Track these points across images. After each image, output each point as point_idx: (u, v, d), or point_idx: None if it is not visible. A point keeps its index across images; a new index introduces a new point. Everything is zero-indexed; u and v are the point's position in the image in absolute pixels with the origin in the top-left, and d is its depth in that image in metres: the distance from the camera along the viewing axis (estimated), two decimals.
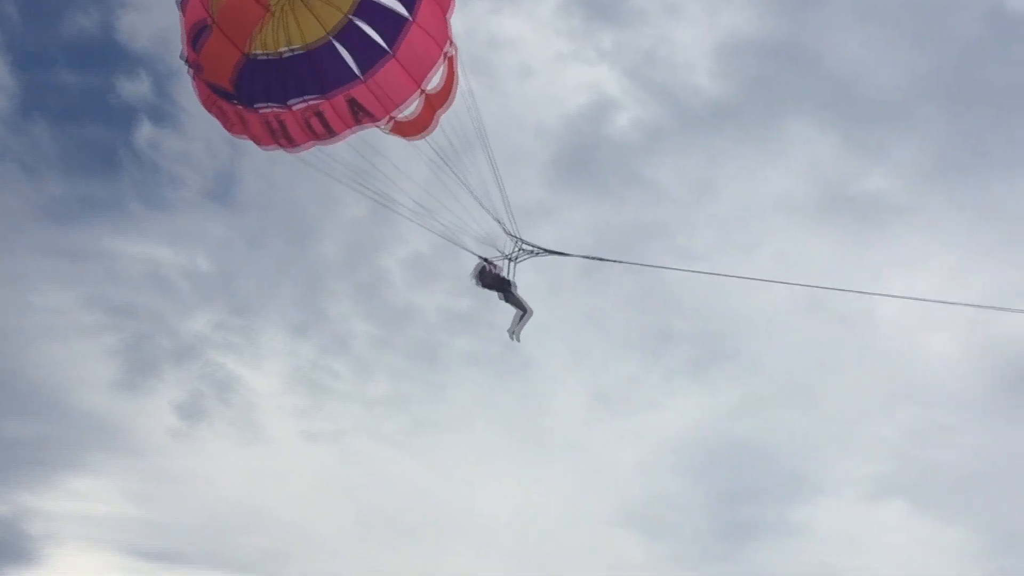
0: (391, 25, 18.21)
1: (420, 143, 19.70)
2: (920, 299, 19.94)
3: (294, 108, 18.65)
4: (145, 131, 41.24)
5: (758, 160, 39.36)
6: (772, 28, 39.66)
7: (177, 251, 39.92)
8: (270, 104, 18.73)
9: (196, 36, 18.20)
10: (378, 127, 19.12)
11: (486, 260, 20.49)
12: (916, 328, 36.82)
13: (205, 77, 19.15)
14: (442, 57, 18.63)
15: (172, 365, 37.96)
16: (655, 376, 37.30)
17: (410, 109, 18.82)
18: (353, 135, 19.02)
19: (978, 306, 19.25)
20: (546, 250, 20.44)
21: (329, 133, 18.90)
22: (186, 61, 19.11)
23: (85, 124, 42.11)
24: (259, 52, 18.45)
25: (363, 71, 18.29)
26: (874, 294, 20.08)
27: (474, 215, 19.87)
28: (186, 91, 20.08)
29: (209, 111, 19.84)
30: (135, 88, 42.04)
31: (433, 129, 19.42)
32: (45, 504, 34.60)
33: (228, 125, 19.77)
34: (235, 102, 18.93)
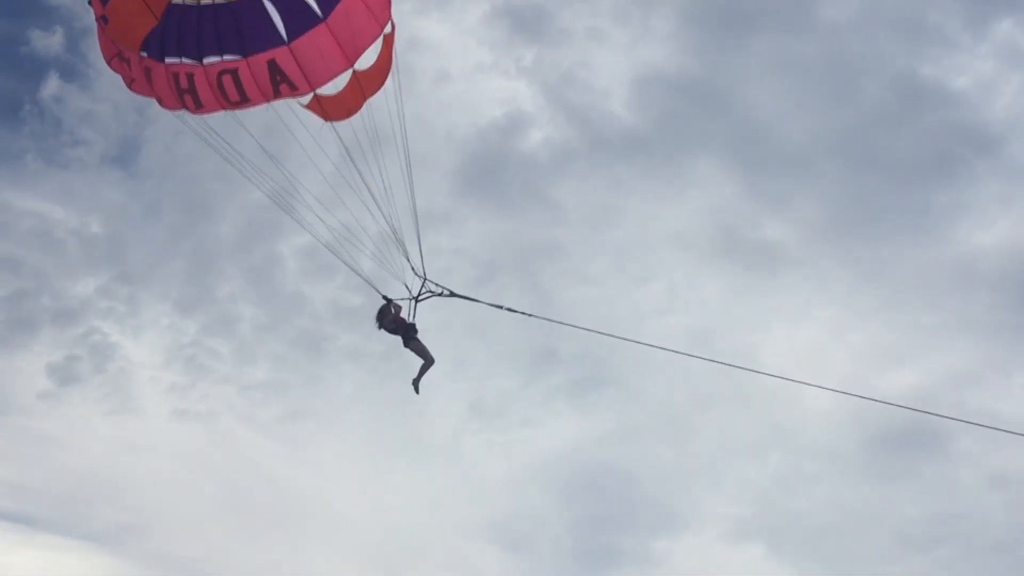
0: None
1: (334, 129, 17.96)
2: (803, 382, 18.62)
3: (207, 65, 16.82)
4: (52, 86, 40.58)
5: (661, 193, 40.33)
6: (691, 66, 40.43)
7: (70, 211, 39.08)
8: (182, 58, 16.88)
9: None
10: (297, 101, 17.36)
11: (388, 300, 18.79)
12: (794, 374, 36.74)
13: (110, 34, 17.28)
14: (379, 35, 17.02)
15: (50, 325, 37.31)
16: (534, 393, 37.40)
17: (336, 86, 17.12)
18: (267, 104, 17.22)
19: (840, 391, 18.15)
20: (454, 293, 18.65)
21: (242, 99, 17.04)
22: (90, 3, 17.26)
23: None
24: None
25: (289, 34, 16.52)
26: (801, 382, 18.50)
27: (378, 242, 18.21)
28: (98, 51, 18.26)
29: (110, 65, 17.90)
30: (47, 41, 41.20)
31: (355, 112, 17.71)
32: None
33: (130, 81, 17.83)
34: (143, 54, 17.04)
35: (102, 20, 17.05)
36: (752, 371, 18.72)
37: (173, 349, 37.99)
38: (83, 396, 36.41)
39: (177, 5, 16.73)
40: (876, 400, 18.01)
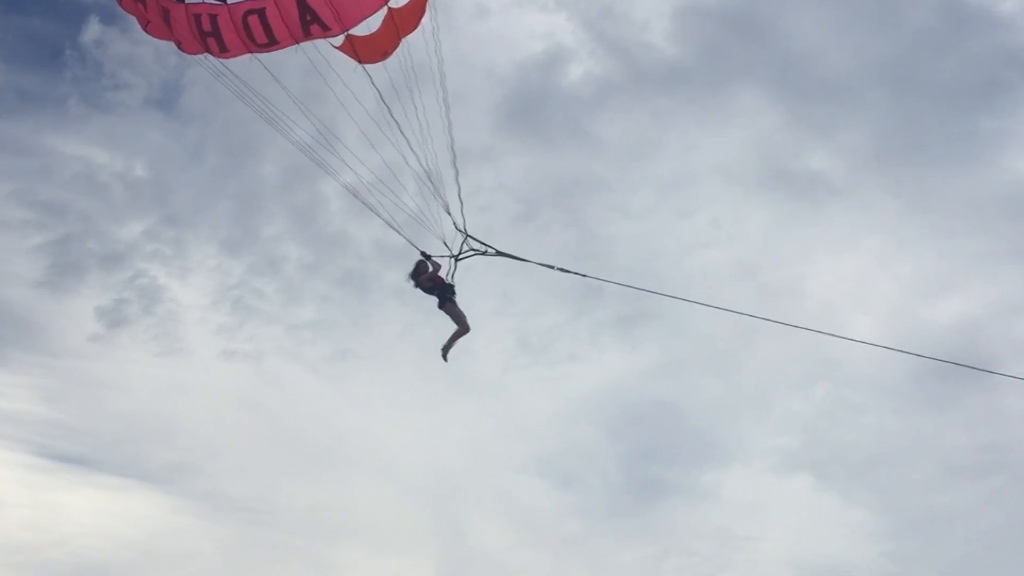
0: None
1: (367, 72, 16.78)
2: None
3: (231, 4, 15.65)
4: (92, 30, 39.33)
5: (703, 126, 39.74)
6: None
7: (114, 155, 38.66)
8: None
9: None
10: (329, 42, 16.20)
11: (426, 256, 17.59)
12: (842, 307, 37.33)
13: None
14: None
15: (98, 269, 37.20)
16: (581, 329, 37.31)
17: (370, 25, 15.95)
18: (296, 46, 16.08)
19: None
20: (499, 252, 17.44)
21: (270, 41, 15.90)
22: None
23: (32, 16, 40.51)
24: None
25: None
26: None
27: (417, 193, 17.13)
28: None
29: (122, 4, 16.69)
30: None
31: (390, 54, 16.55)
32: None
33: (145, 23, 16.64)
34: None
35: None
36: (791, 326, 17.37)
37: (220, 290, 37.79)
38: (132, 338, 36.59)
39: None
40: (906, 352, 17.49)
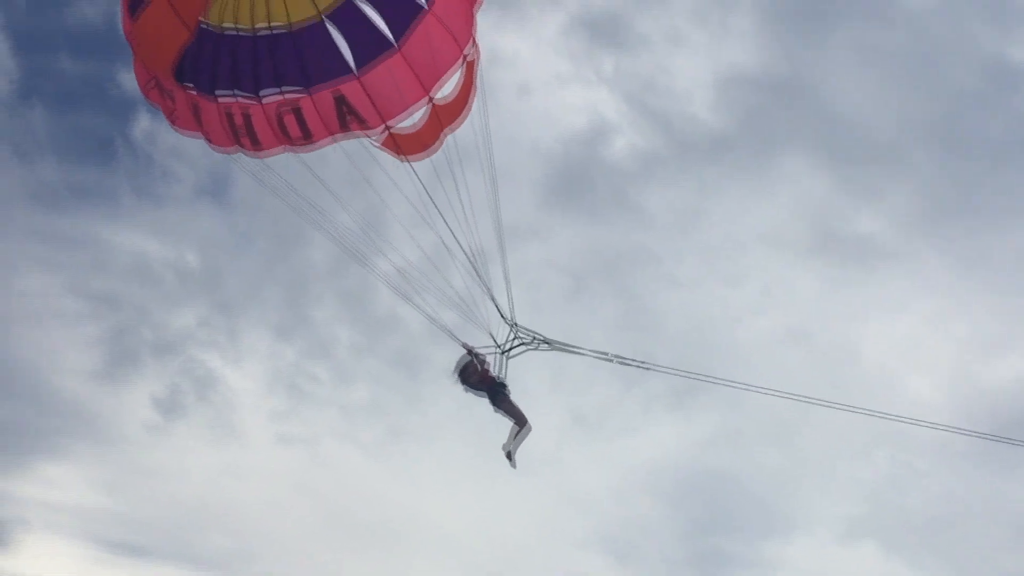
0: (401, 11, 14.39)
1: (411, 166, 15.82)
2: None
3: (266, 101, 14.72)
4: (141, 123, 39.32)
5: (749, 193, 39.67)
6: (772, 63, 39.59)
7: (165, 244, 38.97)
8: (235, 92, 14.79)
9: (136, 2, 14.24)
10: (369, 138, 15.24)
11: (472, 352, 16.24)
12: (899, 370, 37.11)
13: (141, 55, 15.17)
14: (460, 60, 14.82)
15: (153, 358, 37.49)
16: (634, 402, 36.61)
17: (412, 120, 14.96)
18: (334, 142, 15.15)
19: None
20: (551, 343, 16.26)
21: (306, 137, 14.96)
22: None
23: (83, 112, 40.50)
24: (228, 25, 14.56)
25: (359, 64, 14.41)
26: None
27: (460, 281, 16.12)
28: None
29: (147, 96, 15.80)
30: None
31: (435, 150, 15.56)
32: (16, 488, 34.30)
33: (173, 117, 15.73)
34: (189, 86, 14.94)
35: (133, 40, 14.96)
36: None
37: (273, 375, 37.87)
38: (188, 426, 36.58)
39: (229, 33, 14.63)
40: (952, 429, 17.01)
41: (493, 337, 16.27)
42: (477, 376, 16.21)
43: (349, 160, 15.34)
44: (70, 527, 34.42)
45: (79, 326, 37.28)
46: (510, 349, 16.27)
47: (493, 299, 16.04)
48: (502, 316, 16.17)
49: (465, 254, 15.64)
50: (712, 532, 34.88)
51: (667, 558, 34.37)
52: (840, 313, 37.90)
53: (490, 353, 16.34)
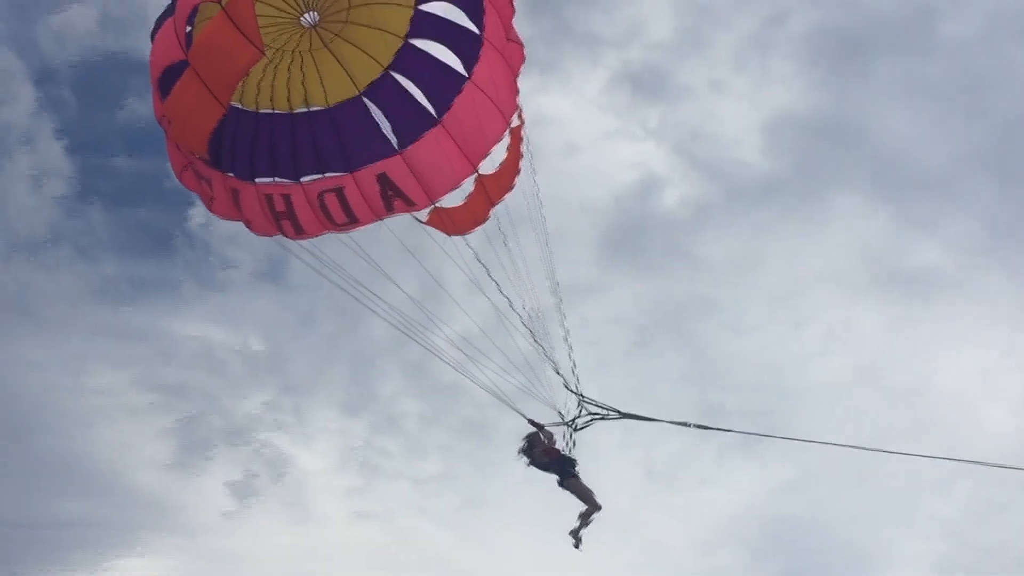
0: (442, 82, 13.83)
1: (465, 240, 15.20)
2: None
3: (306, 184, 14.17)
4: (198, 213, 39.93)
5: (806, 234, 39.76)
6: (818, 103, 39.77)
7: (229, 331, 39.74)
8: (275, 178, 14.25)
9: (167, 80, 13.75)
10: (414, 216, 14.63)
11: (537, 426, 15.49)
12: (972, 400, 36.64)
13: (173, 135, 14.63)
14: (506, 129, 14.21)
15: (225, 445, 38.04)
16: (707, 453, 36.42)
17: (458, 195, 14.37)
18: (379, 222, 14.54)
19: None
20: (623, 413, 15.39)
21: (350, 220, 14.36)
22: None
23: (139, 207, 41.89)
24: (264, 107, 14.06)
25: (400, 141, 13.83)
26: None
27: (519, 353, 15.39)
28: None
29: (181, 180, 15.28)
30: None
31: (482, 222, 14.92)
32: None
33: (211, 202, 15.21)
34: (228, 172, 14.42)
35: (165, 121, 14.45)
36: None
37: (344, 452, 38.42)
38: (264, 510, 36.95)
39: (265, 114, 14.12)
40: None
41: (559, 412, 15.50)
42: (542, 450, 15.44)
43: (399, 232, 14.80)
44: None
45: (150, 418, 38.01)
46: (578, 421, 15.47)
47: (556, 369, 15.30)
48: (567, 387, 15.39)
49: (524, 323, 14.96)
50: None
51: None
52: (908, 348, 37.61)
53: (557, 427, 15.57)
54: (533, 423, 15.57)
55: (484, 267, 14.95)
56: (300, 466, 37.52)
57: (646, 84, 40.13)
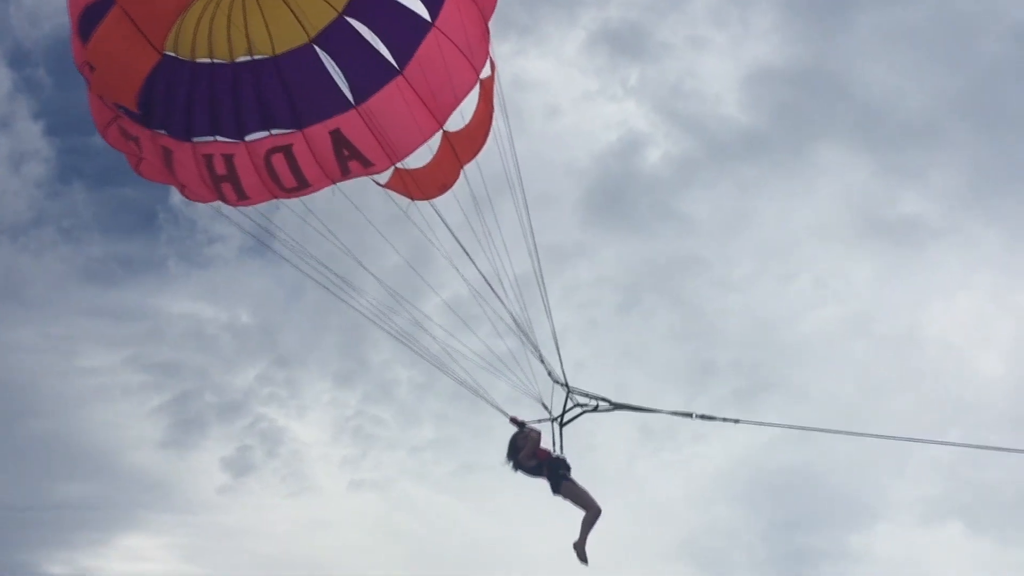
0: (403, 28, 12.23)
1: (430, 208, 13.67)
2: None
3: (250, 143, 12.56)
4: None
5: (791, 188, 39.97)
6: (798, 56, 39.69)
7: (218, 307, 39.94)
8: (215, 136, 12.62)
9: (90, 19, 12.01)
10: (374, 179, 13.09)
11: (519, 424, 13.82)
12: (964, 347, 37.16)
13: (96, 86, 12.87)
14: (476, 82, 12.67)
15: (219, 420, 38.08)
16: (700, 408, 36.12)
17: (422, 155, 12.84)
18: (333, 187, 12.98)
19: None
20: (617, 404, 13.81)
21: (300, 184, 12.81)
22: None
23: (121, 186, 41.00)
24: (202, 56, 12.40)
25: (356, 94, 12.26)
26: None
27: (500, 343, 13.89)
28: None
29: (106, 137, 13.54)
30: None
31: (449, 186, 13.41)
32: (102, 564, 35.06)
33: (138, 163, 13.54)
34: (160, 130, 12.75)
35: (87, 67, 12.69)
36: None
37: (339, 423, 38.22)
38: (261, 483, 36.97)
39: (204, 64, 12.45)
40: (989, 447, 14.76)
41: (544, 405, 13.84)
42: (529, 453, 13.74)
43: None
44: None
45: (143, 397, 38.02)
46: (565, 416, 13.81)
47: (539, 356, 13.75)
48: (551, 377, 13.76)
49: (503, 303, 13.44)
50: (795, 530, 34.91)
51: (752, 560, 34.27)
52: (897, 297, 38.03)
53: (543, 423, 13.90)
54: (514, 421, 13.92)
55: (455, 237, 13.44)
56: (295, 438, 37.59)
57: (625, 43, 39.83)
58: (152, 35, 12.07)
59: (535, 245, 13.25)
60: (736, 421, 13.58)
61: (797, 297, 38.42)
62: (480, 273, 13.34)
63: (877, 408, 35.31)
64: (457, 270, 13.35)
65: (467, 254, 13.21)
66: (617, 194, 38.83)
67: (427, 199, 13.32)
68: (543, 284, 13.51)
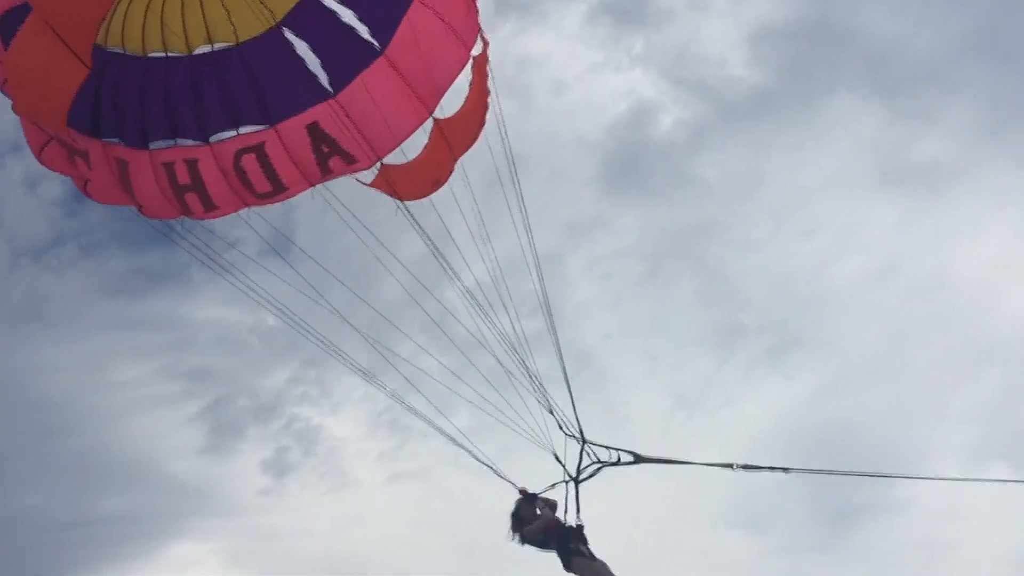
0: (381, 4, 10.85)
1: (413, 213, 12.24)
2: None
3: (216, 145, 11.06)
4: None
5: (804, 143, 39.75)
6: (800, 9, 39.46)
7: (244, 311, 39.25)
8: (176, 140, 11.12)
9: (5, 31, 10.50)
10: (358, 179, 11.63)
11: (528, 496, 12.22)
12: (991, 288, 36.84)
13: (20, 104, 11.26)
14: (467, 59, 11.28)
15: (254, 424, 38.26)
16: (732, 371, 36.95)
17: (411, 148, 11.42)
18: (311, 190, 11.51)
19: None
20: (641, 458, 12.15)
21: (275, 189, 11.32)
22: None
23: None
24: (155, 50, 10.91)
25: (334, 81, 10.83)
26: None
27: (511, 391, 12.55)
28: None
29: (41, 159, 11.96)
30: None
31: (442, 182, 12.00)
32: (153, 575, 35.25)
33: (85, 184, 11.97)
34: (112, 139, 11.22)
35: (7, 87, 11.17)
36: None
37: (373, 417, 38.10)
38: (300, 483, 37.12)
39: (157, 59, 10.97)
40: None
41: (559, 459, 12.30)
42: (536, 528, 12.09)
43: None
44: None
45: (179, 407, 38.11)
46: (581, 475, 12.20)
47: (549, 406, 12.31)
48: (563, 429, 12.31)
49: (506, 342, 12.04)
50: (838, 486, 33.99)
51: (799, 519, 34.12)
52: (921, 242, 38.10)
53: (556, 487, 12.29)
54: (522, 492, 12.31)
55: (443, 261, 12.05)
56: (331, 435, 37.64)
57: (626, 12, 39.77)
58: (78, 41, 10.54)
59: (532, 243, 11.84)
60: (786, 470, 12.00)
61: (819, 251, 38.49)
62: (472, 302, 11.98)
63: (910, 355, 35.53)
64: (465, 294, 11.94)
65: (451, 272, 11.80)
66: (631, 164, 38.82)
67: (418, 198, 11.90)
68: (548, 300, 12.12)
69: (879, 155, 38.65)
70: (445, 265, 12.03)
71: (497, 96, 11.73)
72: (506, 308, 12.16)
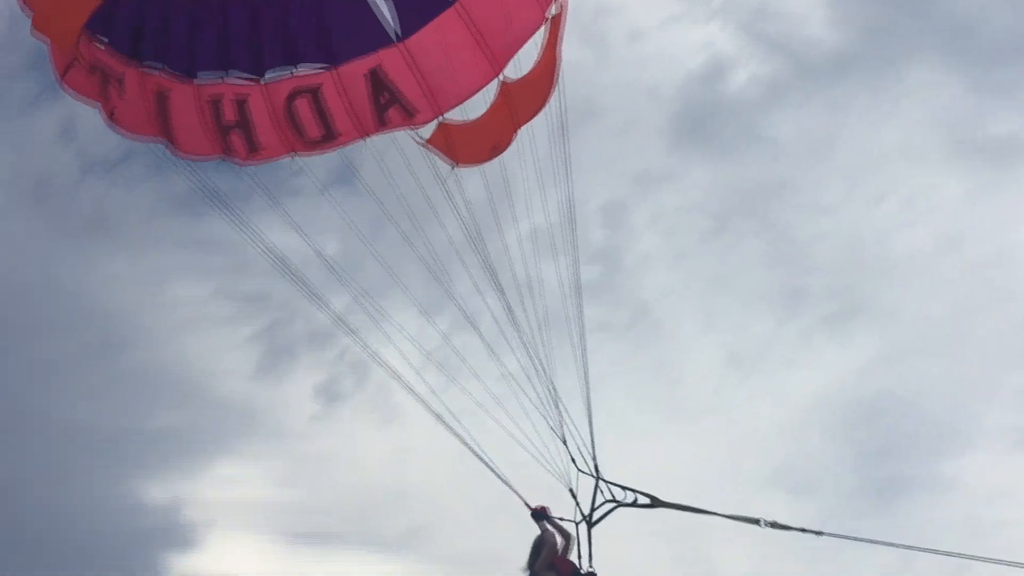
0: None
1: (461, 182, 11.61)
2: None
3: (270, 83, 10.41)
4: None
5: (880, 108, 39.62)
6: None
7: (303, 238, 39.74)
8: (228, 73, 10.46)
9: None
10: (413, 133, 10.97)
11: (544, 518, 11.64)
12: None
13: (39, 23, 10.47)
14: (543, 21, 10.66)
15: (308, 350, 38.26)
16: (791, 334, 36.90)
17: (472, 107, 10.78)
18: (363, 141, 10.85)
19: None
20: (658, 501, 11.33)
21: (326, 136, 10.68)
22: None
23: None
24: None
25: (403, 25, 10.17)
26: None
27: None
28: None
29: (63, 84, 11.16)
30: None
31: (501, 149, 11.36)
32: (199, 491, 36.31)
33: (111, 112, 11.16)
34: (153, 66, 10.54)
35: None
36: None
37: (425, 352, 38.43)
38: (351, 412, 37.22)
39: None
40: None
41: (573, 493, 11.70)
42: (546, 562, 11.41)
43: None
44: (253, 523, 35.80)
45: (233, 329, 38.26)
46: (593, 516, 11.48)
47: (563, 438, 11.96)
48: (577, 467, 11.69)
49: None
50: (886, 457, 34.62)
51: (844, 487, 33.95)
52: (989, 217, 37.70)
53: (566, 523, 11.63)
54: (535, 513, 11.71)
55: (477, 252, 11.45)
56: (382, 369, 37.36)
57: None
58: None
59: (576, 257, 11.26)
60: (819, 533, 10.94)
61: (887, 218, 38.26)
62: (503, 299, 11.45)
63: (967, 331, 35.31)
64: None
65: (496, 283, 11.28)
66: (704, 118, 38.41)
67: (473, 164, 11.26)
68: (579, 305, 11.49)
69: (954, 126, 38.53)
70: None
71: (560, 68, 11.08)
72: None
